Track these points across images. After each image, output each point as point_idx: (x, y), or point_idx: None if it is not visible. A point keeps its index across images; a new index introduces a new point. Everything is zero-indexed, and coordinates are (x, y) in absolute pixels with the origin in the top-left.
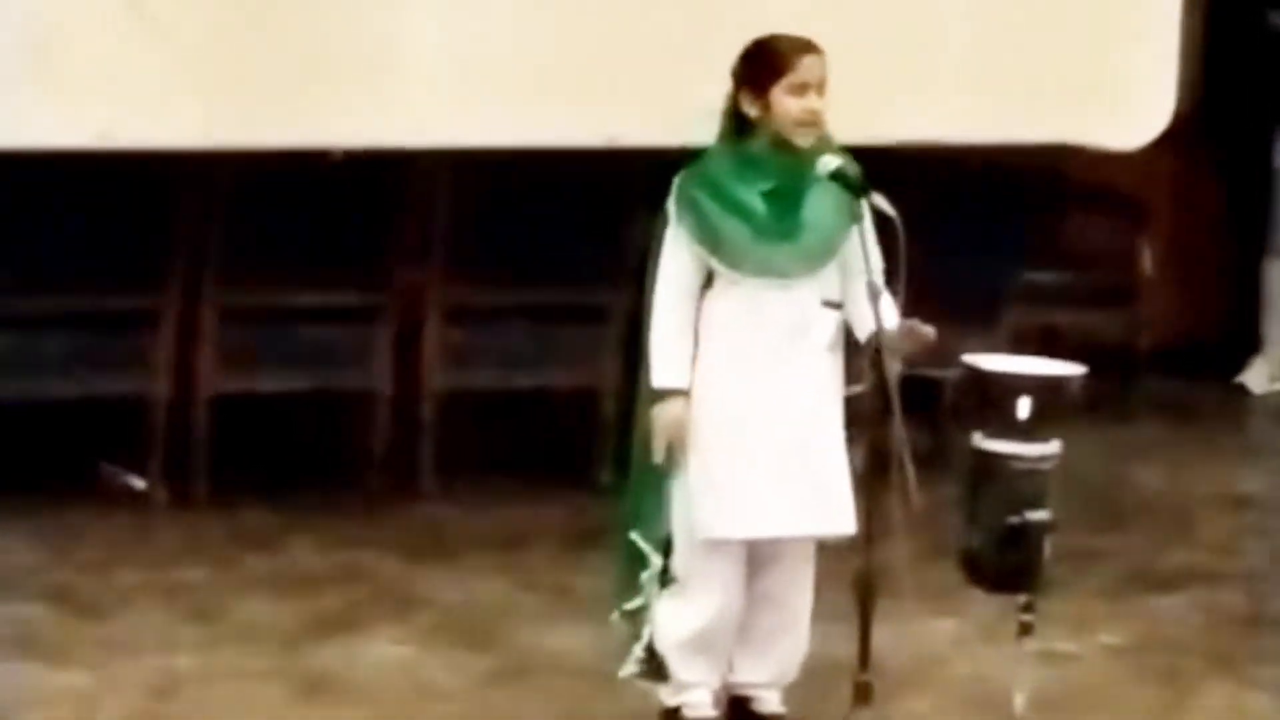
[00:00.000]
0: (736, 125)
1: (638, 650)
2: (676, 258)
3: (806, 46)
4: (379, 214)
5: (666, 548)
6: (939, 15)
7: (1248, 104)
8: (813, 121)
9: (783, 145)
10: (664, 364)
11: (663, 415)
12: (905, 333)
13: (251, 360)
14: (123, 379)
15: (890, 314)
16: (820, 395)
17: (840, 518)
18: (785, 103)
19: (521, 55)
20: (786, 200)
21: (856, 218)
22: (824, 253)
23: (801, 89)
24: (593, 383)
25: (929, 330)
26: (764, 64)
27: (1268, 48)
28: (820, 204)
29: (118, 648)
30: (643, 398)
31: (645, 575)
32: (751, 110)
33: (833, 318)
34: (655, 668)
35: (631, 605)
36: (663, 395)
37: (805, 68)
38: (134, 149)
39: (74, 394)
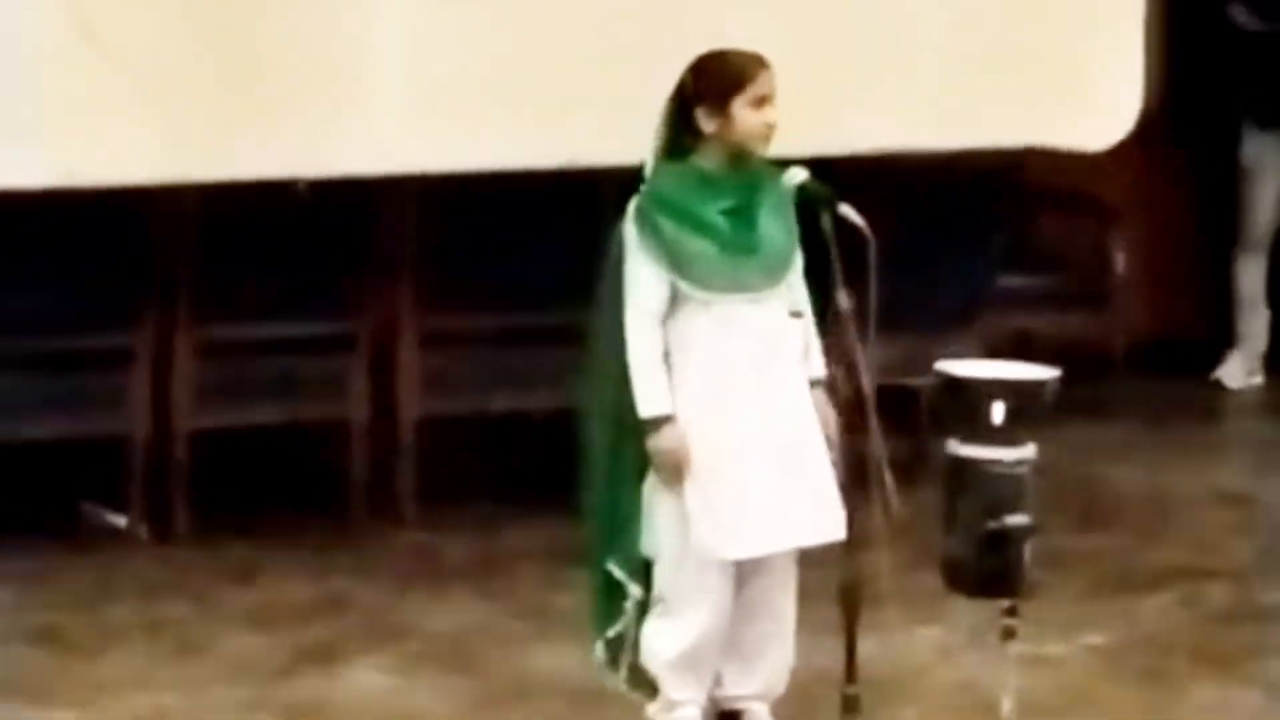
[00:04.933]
0: (677, 140)
1: (622, 673)
2: (644, 281)
3: (761, 61)
4: (348, 242)
5: (644, 573)
6: (901, 24)
7: (1213, 101)
8: (768, 135)
9: (736, 161)
10: (650, 392)
11: (661, 442)
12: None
13: (228, 394)
14: (100, 418)
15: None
16: (800, 403)
17: (833, 524)
18: (747, 116)
19: (482, 79)
20: (743, 216)
21: (822, 230)
22: (783, 264)
23: (762, 101)
24: (570, 404)
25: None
26: (724, 77)
27: (1232, 45)
28: (771, 218)
29: (104, 686)
30: (602, 419)
31: (627, 604)
32: (709, 125)
33: (799, 327)
34: (643, 680)
35: (613, 632)
36: (655, 424)
37: (765, 81)
38: (100, 186)
39: (52, 434)
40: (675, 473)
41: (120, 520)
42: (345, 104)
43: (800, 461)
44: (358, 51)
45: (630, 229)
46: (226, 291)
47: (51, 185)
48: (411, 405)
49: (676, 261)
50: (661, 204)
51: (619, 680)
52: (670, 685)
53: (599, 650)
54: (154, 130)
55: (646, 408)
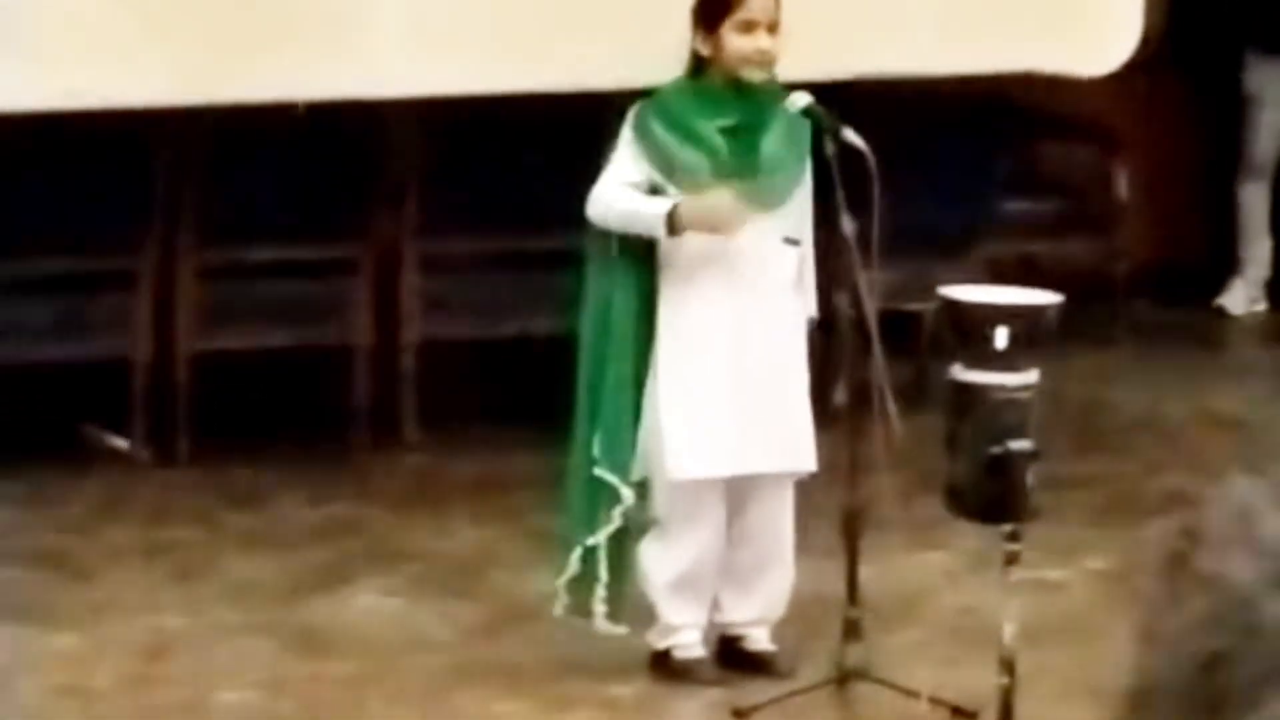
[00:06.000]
0: (694, 65)
1: (600, 590)
2: (625, 167)
3: None
4: (352, 166)
5: (632, 476)
6: None
7: (1216, 26)
8: (760, 60)
9: (737, 83)
10: (646, 207)
11: (691, 217)
12: None
13: (230, 318)
14: (103, 340)
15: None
16: (784, 332)
17: (806, 456)
18: (734, 40)
19: (486, 3)
20: (746, 138)
21: (825, 155)
22: (783, 190)
23: (750, 26)
24: (571, 327)
25: None
26: (715, 2)
27: None
28: (777, 142)
29: (107, 609)
30: (585, 334)
31: (616, 510)
32: (703, 49)
33: (793, 254)
34: (583, 604)
35: (593, 540)
36: (676, 214)
37: (754, 6)
38: (103, 108)
39: (55, 357)
40: (720, 221)
41: (122, 443)
42: (348, 27)
43: (779, 390)
44: None
45: (625, 129)
46: (229, 215)
47: (50, 106)
48: (414, 329)
49: (666, 167)
50: (657, 111)
51: (560, 603)
52: (668, 609)
53: (573, 562)
54: (155, 52)
55: (658, 211)
